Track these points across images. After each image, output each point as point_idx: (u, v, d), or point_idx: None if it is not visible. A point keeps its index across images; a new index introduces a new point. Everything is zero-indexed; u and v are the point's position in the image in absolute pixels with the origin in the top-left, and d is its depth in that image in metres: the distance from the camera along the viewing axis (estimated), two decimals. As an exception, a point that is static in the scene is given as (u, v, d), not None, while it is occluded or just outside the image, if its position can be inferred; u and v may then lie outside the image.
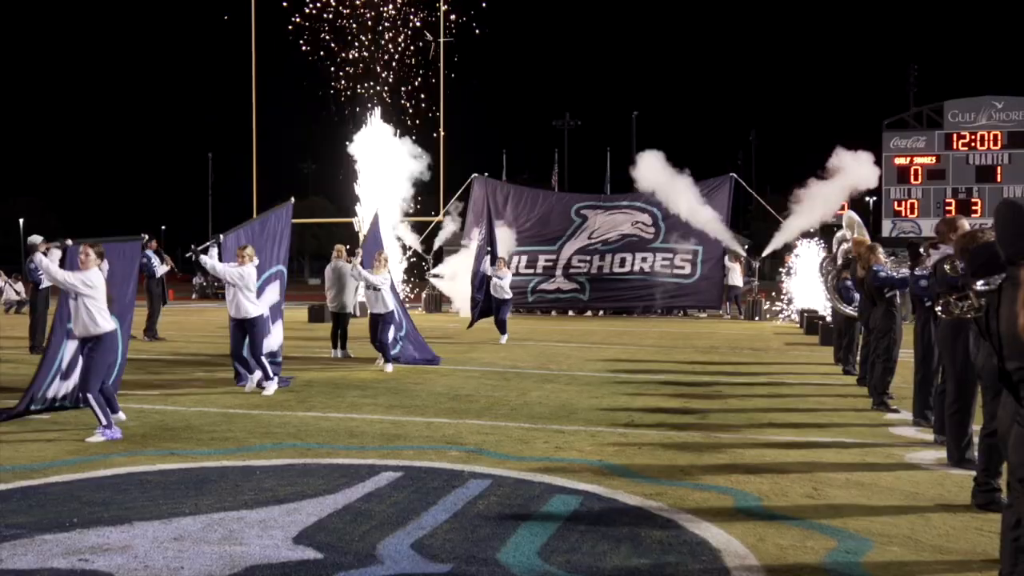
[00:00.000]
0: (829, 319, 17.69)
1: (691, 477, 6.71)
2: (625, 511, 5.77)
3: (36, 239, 15.92)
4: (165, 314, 19.32)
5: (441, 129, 29.87)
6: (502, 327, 18.37)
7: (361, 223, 26.50)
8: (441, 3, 28.86)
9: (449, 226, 29.64)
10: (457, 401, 10.41)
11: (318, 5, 28.23)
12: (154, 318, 18.53)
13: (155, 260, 18.60)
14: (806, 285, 24.07)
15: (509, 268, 21.07)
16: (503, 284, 18.39)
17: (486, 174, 31.69)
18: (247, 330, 11.05)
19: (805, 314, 22.69)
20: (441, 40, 29.29)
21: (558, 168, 42.51)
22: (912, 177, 37.38)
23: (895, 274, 10.13)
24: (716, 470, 6.97)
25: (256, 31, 28.31)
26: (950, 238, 7.09)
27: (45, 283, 15.72)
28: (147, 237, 18.74)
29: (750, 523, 5.53)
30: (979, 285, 3.46)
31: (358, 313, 19.79)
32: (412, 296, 29.57)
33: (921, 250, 8.50)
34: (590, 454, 7.51)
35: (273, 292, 12.21)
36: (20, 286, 28.73)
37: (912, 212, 39.39)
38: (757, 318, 27.08)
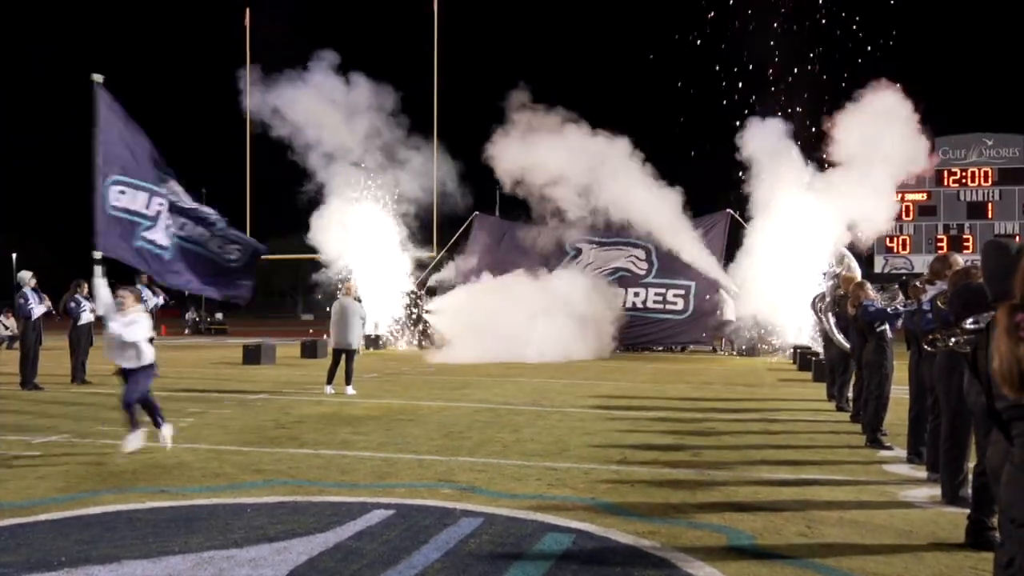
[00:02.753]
0: (822, 355, 17.69)
1: (684, 515, 6.68)
2: (618, 550, 5.73)
3: (25, 275, 15.93)
4: (156, 349, 19.23)
5: (435, 168, 29.97)
6: None
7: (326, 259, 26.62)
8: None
9: (448, 265, 29.77)
10: (449, 438, 10.37)
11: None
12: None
13: (147, 293, 18.47)
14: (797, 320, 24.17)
15: None
16: None
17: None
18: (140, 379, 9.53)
19: (798, 350, 22.71)
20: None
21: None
22: (904, 213, 37.52)
23: (886, 308, 10.16)
24: (709, 508, 6.94)
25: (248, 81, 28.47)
26: (945, 275, 7.13)
27: (35, 316, 15.70)
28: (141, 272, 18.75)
29: (743, 562, 5.50)
30: (969, 323, 3.47)
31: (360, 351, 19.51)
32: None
33: (917, 283, 8.54)
34: (583, 491, 7.47)
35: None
36: (12, 321, 28.64)
37: (904, 248, 39.53)
38: (753, 353, 27.04)
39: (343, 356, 15.29)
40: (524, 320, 23.38)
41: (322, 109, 26.04)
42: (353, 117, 26.37)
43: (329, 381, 15.31)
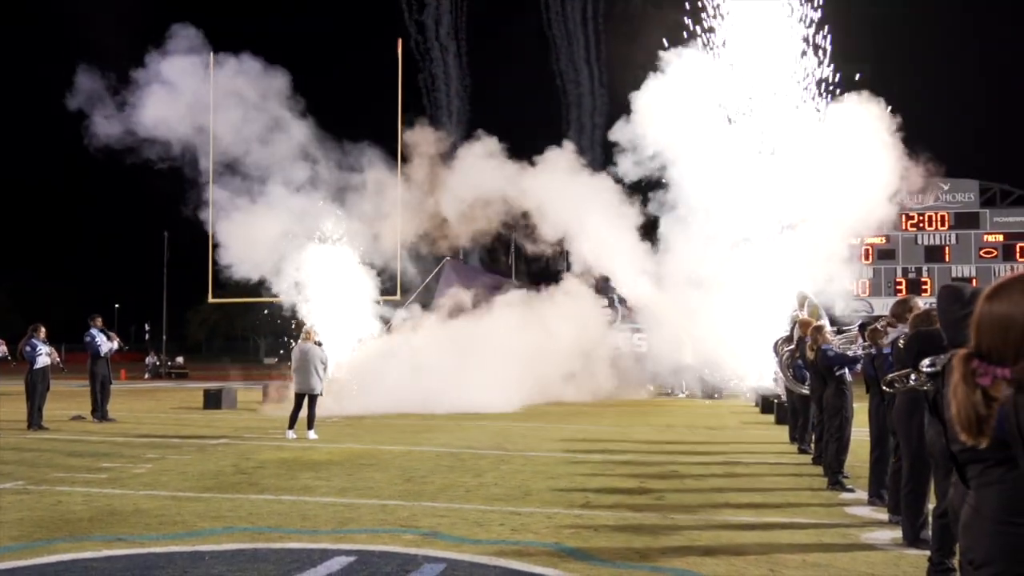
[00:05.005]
0: (784, 398, 17.79)
1: (648, 560, 6.66)
2: (581, 595, 5.69)
3: None
4: (115, 394, 18.99)
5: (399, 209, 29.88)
6: None
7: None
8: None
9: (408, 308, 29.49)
10: (412, 483, 10.29)
11: None
12: (103, 399, 18.13)
13: (100, 338, 18.23)
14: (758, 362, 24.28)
15: None
16: None
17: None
18: None
19: (760, 393, 22.83)
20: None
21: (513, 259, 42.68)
22: (864, 256, 38.01)
23: (846, 352, 10.26)
24: (673, 552, 6.92)
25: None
26: (905, 318, 7.23)
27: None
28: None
29: (707, 606, 5.48)
30: (925, 364, 3.52)
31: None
32: None
33: (879, 326, 8.64)
34: (546, 536, 7.43)
35: None
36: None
37: (864, 291, 39.99)
38: (716, 396, 27.14)
39: (304, 400, 15.19)
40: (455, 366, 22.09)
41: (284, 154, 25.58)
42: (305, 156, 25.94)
43: (291, 426, 15.17)
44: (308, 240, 25.07)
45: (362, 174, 26.49)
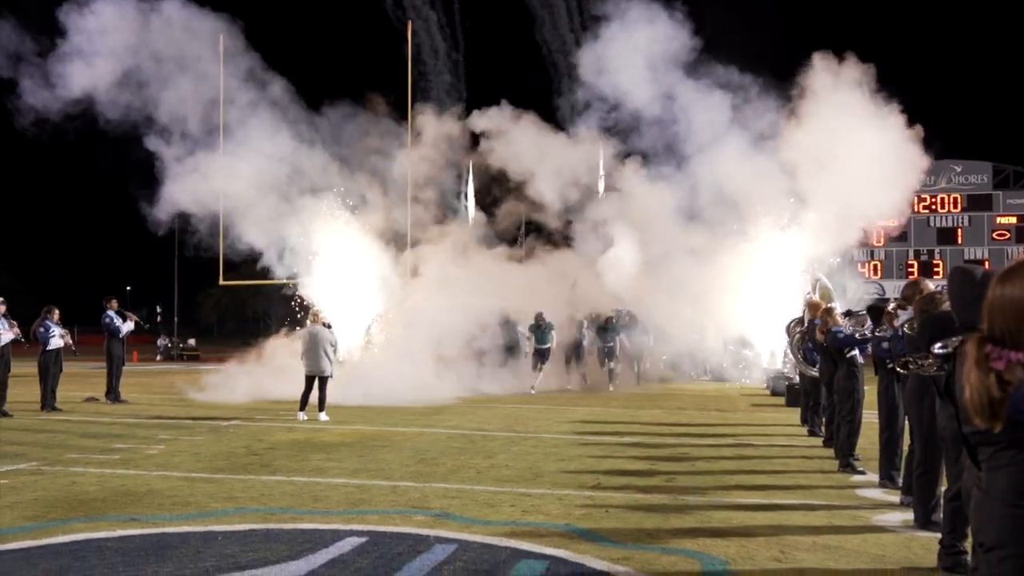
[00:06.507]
0: (795, 380, 17.77)
1: (658, 541, 6.67)
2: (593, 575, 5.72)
3: None
4: (127, 375, 19.06)
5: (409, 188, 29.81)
6: None
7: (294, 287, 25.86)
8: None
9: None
10: (423, 464, 10.33)
11: None
12: (116, 380, 18.25)
13: (117, 320, 18.32)
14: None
15: None
16: None
17: None
18: None
19: (771, 376, 22.77)
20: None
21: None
22: (875, 239, 37.84)
23: (855, 333, 10.24)
24: (683, 533, 6.94)
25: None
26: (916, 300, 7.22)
27: (3, 342, 15.52)
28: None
29: (717, 587, 5.50)
30: (937, 348, 3.50)
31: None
32: None
33: (890, 308, 8.62)
34: (557, 517, 7.45)
35: None
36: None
37: (875, 274, 39.90)
38: (744, 380, 26.82)
39: (315, 382, 15.25)
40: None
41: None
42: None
43: (302, 408, 15.23)
44: (316, 216, 24.84)
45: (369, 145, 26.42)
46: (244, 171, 23.44)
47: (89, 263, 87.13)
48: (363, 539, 6.63)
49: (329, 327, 15.72)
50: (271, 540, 6.60)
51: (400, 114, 27.29)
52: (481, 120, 26.37)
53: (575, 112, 27.69)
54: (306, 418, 15.03)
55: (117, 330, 18.23)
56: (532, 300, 23.46)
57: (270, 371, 19.79)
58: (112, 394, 18.13)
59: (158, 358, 44.30)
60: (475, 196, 31.28)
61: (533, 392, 21.74)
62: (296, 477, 9.36)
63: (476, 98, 28.76)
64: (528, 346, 23.52)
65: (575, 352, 24.67)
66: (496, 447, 11.84)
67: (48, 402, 16.49)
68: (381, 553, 6.21)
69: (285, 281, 26.33)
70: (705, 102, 24.45)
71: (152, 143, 23.33)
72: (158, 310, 56.24)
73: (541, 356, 22.81)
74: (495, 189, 29.21)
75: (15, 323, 16.01)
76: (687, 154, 24.98)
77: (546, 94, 29.46)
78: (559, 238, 28.72)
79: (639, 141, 26.33)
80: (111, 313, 18.23)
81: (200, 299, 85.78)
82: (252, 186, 23.36)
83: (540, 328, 22.87)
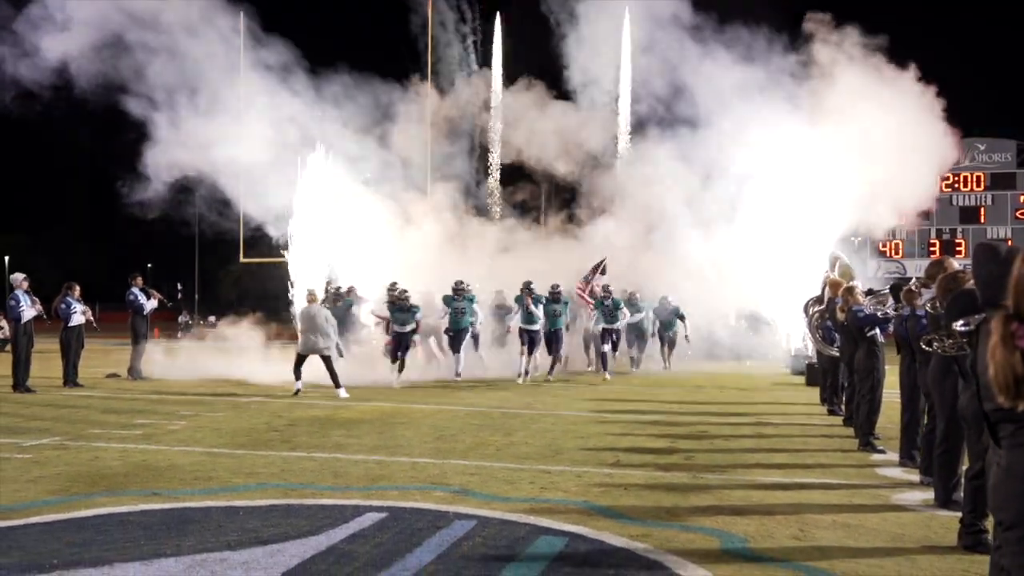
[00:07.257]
0: (815, 359, 17.67)
1: (677, 518, 6.68)
2: (611, 552, 5.73)
3: (18, 277, 15.88)
4: (149, 352, 19.17)
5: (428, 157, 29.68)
6: None
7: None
8: None
9: None
10: (442, 441, 10.36)
11: None
12: (138, 356, 18.39)
13: (141, 297, 18.43)
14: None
15: None
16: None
17: None
18: None
19: (792, 354, 22.67)
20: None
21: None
22: (897, 218, 37.49)
23: (876, 312, 10.18)
24: (702, 511, 6.94)
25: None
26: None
27: (25, 318, 15.63)
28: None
29: (736, 565, 5.50)
30: (959, 326, 3.48)
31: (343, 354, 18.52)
32: None
33: (913, 287, 8.58)
34: (576, 495, 7.47)
35: None
36: (3, 323, 28.39)
37: (897, 253, 39.63)
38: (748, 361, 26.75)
39: (322, 361, 15.44)
40: None
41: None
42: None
43: (297, 378, 15.67)
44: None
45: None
46: (261, 137, 23.16)
47: (111, 240, 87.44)
48: (383, 515, 6.66)
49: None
50: (292, 515, 6.64)
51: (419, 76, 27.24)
52: (497, 92, 26.34)
53: (587, 82, 27.60)
54: (302, 386, 15.51)
55: (141, 307, 18.34)
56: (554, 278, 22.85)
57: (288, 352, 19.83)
58: (134, 371, 18.27)
59: (179, 335, 44.53)
60: (498, 172, 31.16)
61: (520, 381, 18.60)
62: (316, 453, 9.41)
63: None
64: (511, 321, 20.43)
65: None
66: (515, 424, 11.87)
67: (70, 378, 16.62)
68: (401, 528, 6.24)
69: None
70: (725, 72, 24.23)
71: (164, 116, 23.17)
72: (179, 287, 56.54)
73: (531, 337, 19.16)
74: (513, 169, 29.18)
75: (37, 300, 16.12)
76: (706, 124, 24.80)
77: (556, 67, 29.18)
78: (581, 217, 28.60)
79: (653, 111, 26.25)
80: (135, 290, 18.34)
81: (221, 276, 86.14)
82: (268, 149, 23.05)
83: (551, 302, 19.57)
